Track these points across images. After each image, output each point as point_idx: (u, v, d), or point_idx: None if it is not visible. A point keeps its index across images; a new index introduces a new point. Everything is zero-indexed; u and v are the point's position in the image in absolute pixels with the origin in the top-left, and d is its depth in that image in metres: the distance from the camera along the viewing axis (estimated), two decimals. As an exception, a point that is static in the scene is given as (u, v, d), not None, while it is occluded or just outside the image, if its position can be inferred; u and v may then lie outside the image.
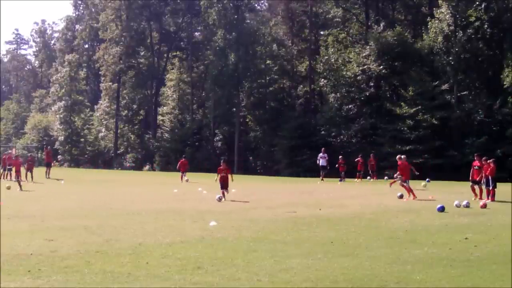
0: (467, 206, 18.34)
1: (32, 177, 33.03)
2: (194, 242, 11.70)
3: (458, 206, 18.42)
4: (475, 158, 22.08)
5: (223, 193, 21.07)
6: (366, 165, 35.41)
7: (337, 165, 34.28)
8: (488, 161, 21.34)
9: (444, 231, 13.38)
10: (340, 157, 35.13)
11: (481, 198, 20.50)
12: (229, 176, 21.64)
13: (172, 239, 12.09)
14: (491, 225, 14.46)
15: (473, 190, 21.22)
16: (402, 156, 22.53)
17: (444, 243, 11.58)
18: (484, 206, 18.38)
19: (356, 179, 34.08)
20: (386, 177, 36.91)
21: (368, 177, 35.41)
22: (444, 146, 39.36)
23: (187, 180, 32.60)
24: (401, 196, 21.46)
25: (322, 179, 33.50)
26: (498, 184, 21.32)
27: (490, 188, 20.61)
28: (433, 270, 9.09)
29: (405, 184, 21.59)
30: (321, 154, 34.22)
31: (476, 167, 21.31)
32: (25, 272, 8.71)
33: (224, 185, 21.26)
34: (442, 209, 17.09)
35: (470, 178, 21.64)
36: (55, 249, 10.68)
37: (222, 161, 23.17)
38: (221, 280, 8.36)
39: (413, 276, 8.70)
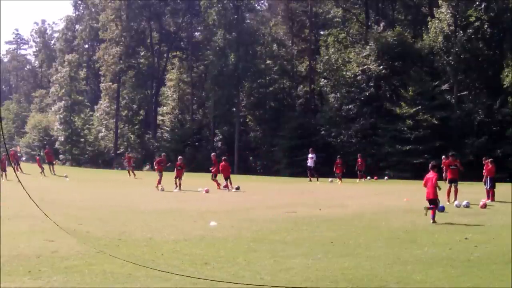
0: (467, 206, 18.33)
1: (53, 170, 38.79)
2: (195, 242, 11.71)
3: (458, 206, 18.41)
4: (443, 159, 20.94)
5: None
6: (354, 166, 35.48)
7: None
8: (486, 160, 21.30)
9: (444, 231, 13.38)
10: (338, 156, 35.07)
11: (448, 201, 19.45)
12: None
13: (175, 237, 12.10)
14: (491, 225, 14.46)
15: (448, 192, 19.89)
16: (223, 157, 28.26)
17: (444, 243, 11.58)
18: (484, 206, 18.36)
19: (338, 181, 33.16)
20: (386, 177, 36.96)
21: (367, 177, 35.34)
22: (444, 146, 39.29)
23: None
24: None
25: (310, 180, 33.38)
26: (498, 184, 21.25)
27: (489, 188, 20.55)
28: (433, 270, 9.09)
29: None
30: (310, 155, 34.18)
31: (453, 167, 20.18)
32: (25, 273, 8.69)
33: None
34: (442, 209, 17.08)
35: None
36: (55, 249, 10.66)
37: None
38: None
39: (413, 276, 8.70)
